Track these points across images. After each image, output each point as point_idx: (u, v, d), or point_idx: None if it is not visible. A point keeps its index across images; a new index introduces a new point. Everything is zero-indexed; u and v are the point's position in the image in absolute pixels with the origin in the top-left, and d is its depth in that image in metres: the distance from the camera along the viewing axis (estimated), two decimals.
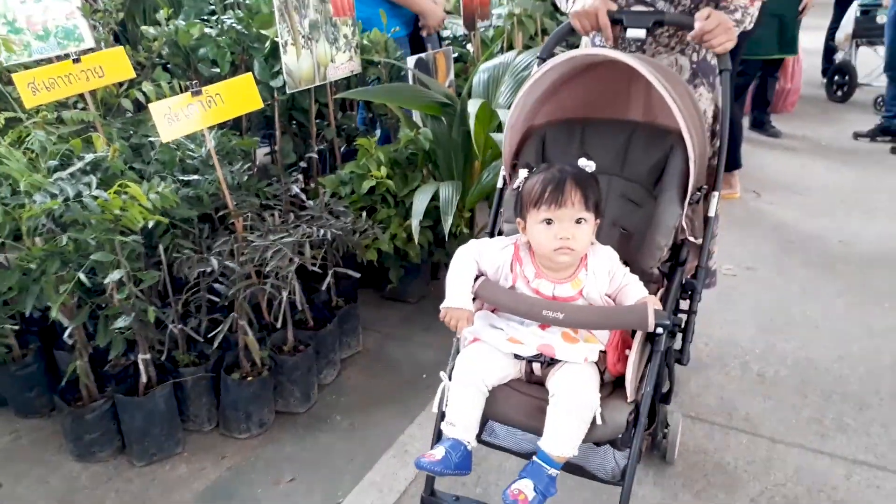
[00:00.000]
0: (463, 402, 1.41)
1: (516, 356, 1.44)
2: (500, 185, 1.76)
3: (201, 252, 1.97)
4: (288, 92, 2.50)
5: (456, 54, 3.41)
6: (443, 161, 2.71)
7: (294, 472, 1.95)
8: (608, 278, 1.49)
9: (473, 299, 1.49)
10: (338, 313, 2.38)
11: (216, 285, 1.95)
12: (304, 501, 1.86)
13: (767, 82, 5.02)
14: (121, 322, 1.83)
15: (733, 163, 3.90)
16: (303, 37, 2.51)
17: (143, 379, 1.96)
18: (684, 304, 1.68)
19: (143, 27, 2.73)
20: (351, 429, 2.14)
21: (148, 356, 1.95)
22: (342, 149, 2.94)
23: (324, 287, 2.29)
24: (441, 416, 1.47)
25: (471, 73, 2.91)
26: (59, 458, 2.01)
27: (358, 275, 2.37)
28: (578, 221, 1.45)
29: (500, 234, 1.69)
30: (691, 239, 1.57)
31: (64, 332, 1.98)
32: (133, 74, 2.30)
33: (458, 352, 1.51)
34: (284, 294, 2.01)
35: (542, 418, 1.37)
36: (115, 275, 1.80)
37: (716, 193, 1.64)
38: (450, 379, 1.45)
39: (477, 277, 1.51)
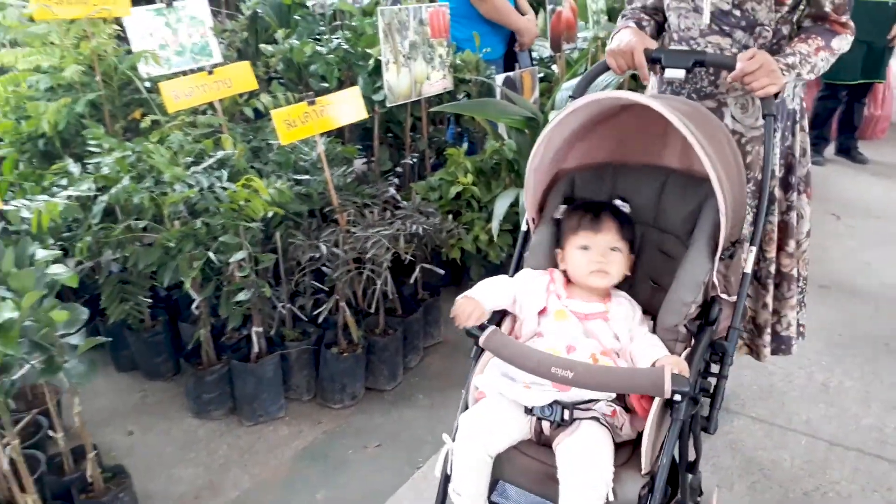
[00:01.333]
0: (468, 472, 1.35)
1: (527, 411, 1.36)
2: (524, 228, 1.68)
3: (310, 241, 2.25)
4: (388, 106, 2.78)
5: (541, 74, 3.63)
6: (524, 170, 2.92)
7: (380, 440, 2.19)
8: (626, 325, 1.46)
9: (482, 351, 1.45)
10: (423, 305, 2.63)
11: (324, 268, 2.22)
12: (388, 464, 2.09)
13: (854, 107, 5.00)
14: (241, 296, 2.13)
15: None
16: (403, 56, 2.79)
17: (255, 349, 2.25)
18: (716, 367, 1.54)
19: (262, 45, 3.08)
20: (431, 407, 2.37)
21: (260, 329, 2.24)
22: (432, 159, 3.20)
23: (412, 280, 2.54)
24: (445, 478, 1.40)
25: (554, 91, 3.13)
26: (180, 414, 2.33)
27: (442, 271, 2.61)
28: (613, 249, 1.49)
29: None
30: (724, 296, 1.43)
31: (190, 305, 2.30)
32: (256, 86, 2.62)
33: (465, 407, 1.44)
34: (379, 281, 2.27)
35: (550, 485, 1.29)
36: (238, 255, 2.10)
37: (753, 248, 1.48)
38: (453, 440, 1.37)
39: (497, 322, 1.49)
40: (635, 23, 1.82)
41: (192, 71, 2.72)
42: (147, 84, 2.54)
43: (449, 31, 2.97)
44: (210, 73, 2.49)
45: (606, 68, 1.72)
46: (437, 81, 2.97)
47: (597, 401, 1.35)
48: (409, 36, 2.80)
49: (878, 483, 1.97)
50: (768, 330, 2.04)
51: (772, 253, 1.94)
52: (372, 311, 2.39)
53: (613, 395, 1.36)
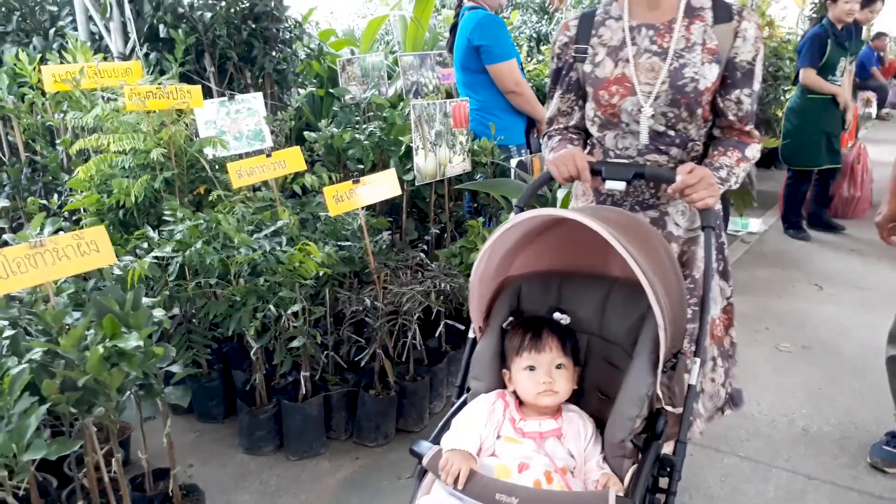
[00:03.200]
0: None
1: None
2: (471, 335, 1.69)
3: (356, 296, 2.62)
4: (416, 185, 3.21)
5: None
6: None
7: (412, 472, 2.48)
8: (580, 443, 1.48)
9: (424, 473, 1.46)
10: (447, 356, 2.96)
11: (366, 318, 2.57)
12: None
13: (828, 183, 5.47)
14: (295, 343, 2.47)
15: None
16: (430, 143, 3.24)
17: (303, 391, 2.58)
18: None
19: (306, 132, 3.54)
20: None
21: (308, 374, 2.58)
22: (452, 230, 3.60)
23: (437, 334, 2.89)
24: None
25: None
26: (232, 451, 2.63)
27: (463, 327, 2.96)
28: (558, 367, 1.52)
29: (467, 390, 1.65)
30: (669, 409, 1.44)
31: (241, 355, 2.64)
32: (305, 167, 3.05)
33: None
34: (410, 333, 2.62)
35: None
36: (294, 307, 2.46)
37: (697, 360, 1.49)
38: None
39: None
40: (567, 143, 1.91)
41: (248, 154, 3.16)
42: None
43: (468, 122, 3.43)
44: (268, 155, 2.92)
45: (550, 178, 1.75)
46: (458, 164, 3.40)
47: None
48: (436, 126, 3.25)
49: None
50: (725, 392, 2.11)
51: (722, 334, 2.07)
52: (403, 360, 2.73)
53: None
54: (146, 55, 3.60)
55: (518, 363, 1.54)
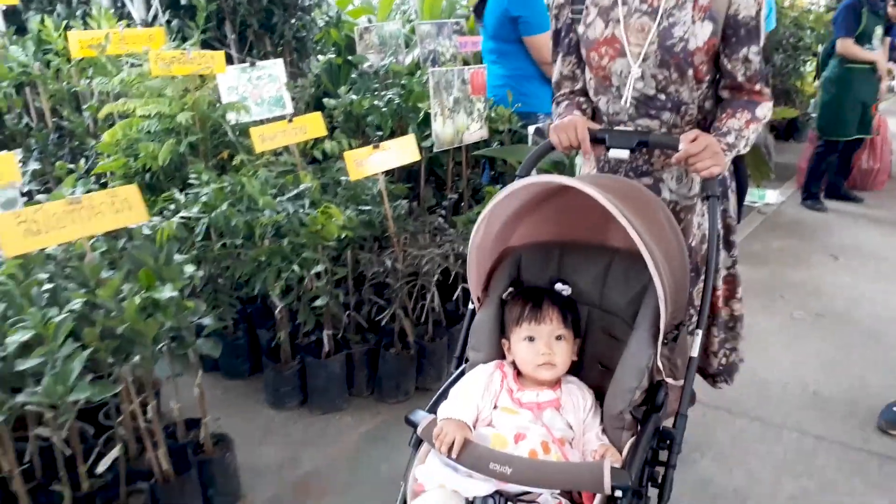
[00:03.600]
0: None
1: (468, 502, 1.32)
2: (471, 306, 1.69)
3: (377, 257, 2.68)
4: (434, 151, 3.25)
5: None
6: None
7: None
8: (578, 415, 1.47)
9: (420, 442, 1.43)
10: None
11: (387, 279, 2.64)
12: None
13: (852, 154, 5.45)
14: (318, 302, 2.55)
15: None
16: (448, 109, 3.27)
17: (325, 349, 2.66)
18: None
19: (325, 99, 3.58)
20: None
21: (330, 332, 2.65)
22: (469, 197, 3.65)
23: (454, 297, 2.95)
24: None
25: None
26: (258, 406, 2.72)
27: None
28: (558, 338, 1.50)
29: (466, 360, 1.65)
30: (670, 381, 1.43)
31: (265, 315, 2.72)
32: (326, 133, 3.10)
33: (403, 502, 1.41)
34: (429, 295, 2.68)
35: None
36: (318, 268, 2.53)
37: (699, 332, 1.48)
38: None
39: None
40: (575, 109, 1.87)
41: (269, 120, 3.21)
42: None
43: (486, 90, 3.45)
44: (290, 121, 2.97)
45: (552, 148, 1.73)
46: (476, 131, 3.43)
47: (540, 492, 1.32)
48: (454, 93, 3.28)
49: (858, 470, 2.31)
50: (718, 363, 2.09)
51: (720, 304, 2.03)
52: (422, 321, 2.80)
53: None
54: (168, 22, 3.65)
55: (517, 333, 1.52)
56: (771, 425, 2.56)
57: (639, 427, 1.40)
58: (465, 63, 4.46)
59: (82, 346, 1.66)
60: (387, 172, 3.18)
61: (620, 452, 1.39)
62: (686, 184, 1.83)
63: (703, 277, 1.58)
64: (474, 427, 1.43)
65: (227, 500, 2.17)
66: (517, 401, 1.48)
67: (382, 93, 3.54)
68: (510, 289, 1.62)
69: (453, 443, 1.31)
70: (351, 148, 3.17)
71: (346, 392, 2.71)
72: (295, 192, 2.69)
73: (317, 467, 2.36)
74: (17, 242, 1.76)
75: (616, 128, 1.80)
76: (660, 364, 1.40)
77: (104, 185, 3.03)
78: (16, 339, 1.64)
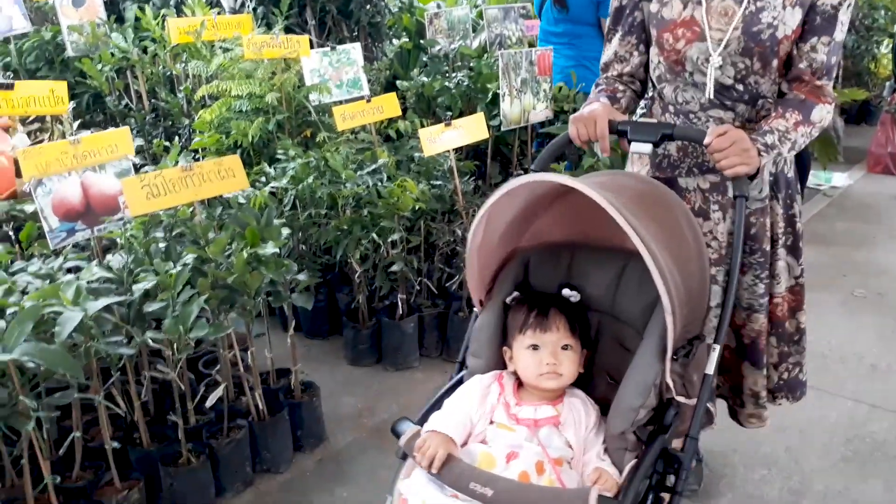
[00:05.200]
0: None
1: None
2: (476, 311, 1.56)
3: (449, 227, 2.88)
4: (501, 130, 3.41)
5: None
6: None
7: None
8: (579, 432, 1.37)
9: (405, 456, 1.33)
10: None
11: (458, 247, 2.83)
12: None
13: None
14: (394, 268, 2.76)
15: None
16: (515, 90, 3.43)
17: (399, 312, 2.88)
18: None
19: (399, 82, 3.78)
20: None
21: (404, 296, 2.87)
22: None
23: None
24: None
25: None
26: (338, 362, 2.97)
27: None
28: (564, 348, 1.40)
29: (461, 368, 1.58)
30: (681, 399, 1.31)
31: (343, 281, 2.95)
32: (400, 112, 3.30)
33: None
34: None
35: None
36: (394, 236, 2.74)
37: (716, 347, 1.36)
38: None
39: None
40: (609, 95, 1.77)
41: (347, 100, 3.44)
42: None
43: (552, 71, 3.58)
44: (368, 101, 3.18)
45: (570, 140, 1.62)
46: (541, 111, 3.58)
47: None
48: (522, 74, 3.44)
49: None
50: (778, 377, 1.98)
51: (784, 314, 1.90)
52: None
53: None
54: (254, 9, 3.91)
55: (521, 341, 1.42)
56: (826, 393, 2.65)
57: (644, 448, 1.29)
58: (531, 45, 4.59)
59: (197, 293, 1.91)
60: (456, 150, 3.37)
61: (622, 474, 1.28)
62: (756, 185, 1.70)
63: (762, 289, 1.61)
64: (466, 442, 1.35)
65: (313, 441, 2.41)
66: (513, 416, 1.38)
67: (452, 75, 3.72)
68: (515, 293, 1.51)
69: (435, 457, 1.23)
70: (423, 127, 3.36)
71: (418, 352, 2.93)
72: (373, 167, 2.90)
73: (391, 416, 2.58)
74: (140, 203, 2.02)
75: (641, 119, 1.71)
76: (669, 381, 1.28)
77: (198, 160, 3.33)
78: (141, 286, 1.90)
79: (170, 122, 3.84)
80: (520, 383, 1.44)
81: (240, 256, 1.96)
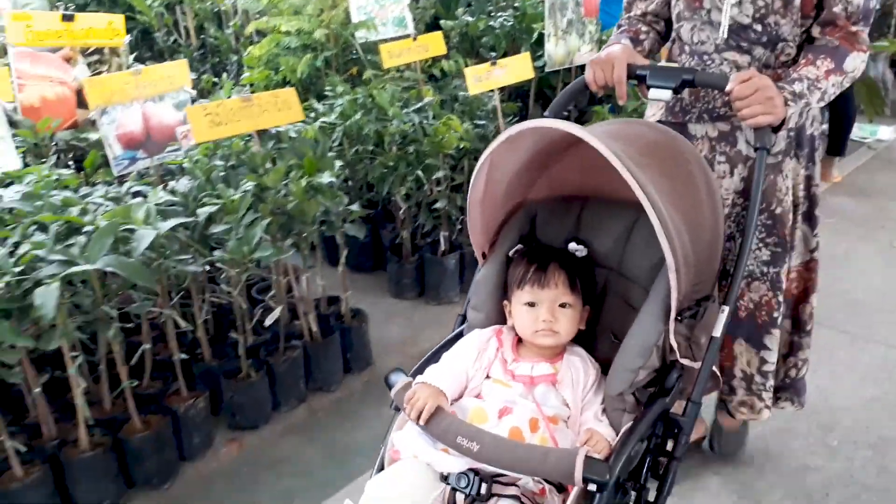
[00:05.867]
0: None
1: (443, 478, 1.20)
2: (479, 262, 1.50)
3: None
4: (546, 71, 3.42)
5: None
6: None
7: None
8: (577, 391, 1.32)
9: (398, 408, 1.27)
10: None
11: None
12: None
13: None
14: (438, 205, 2.84)
15: (839, 149, 4.19)
16: (561, 31, 3.42)
17: (442, 248, 2.97)
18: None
19: (443, 21, 3.79)
20: None
21: (447, 233, 2.95)
22: (577, 116, 3.83)
23: None
24: None
25: None
26: (382, 295, 3.09)
27: None
28: (563, 305, 1.34)
29: (463, 321, 1.54)
30: (685, 362, 1.25)
31: (385, 219, 3.05)
32: (445, 51, 3.33)
33: (381, 466, 1.30)
34: None
35: None
36: (439, 173, 2.81)
37: (726, 309, 1.29)
38: None
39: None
40: (631, 36, 1.69)
41: (392, 39, 3.47)
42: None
43: (599, 12, 3.57)
44: (414, 39, 3.21)
45: (586, 86, 1.53)
46: (587, 53, 3.57)
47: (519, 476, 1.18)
48: (568, 14, 3.43)
49: None
50: (785, 372, 1.87)
51: (798, 292, 1.80)
52: None
53: None
54: None
55: (518, 296, 1.37)
56: (858, 338, 2.70)
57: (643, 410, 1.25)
58: None
59: (259, 217, 2.01)
60: (500, 90, 3.40)
61: (618, 436, 1.23)
62: (775, 136, 1.54)
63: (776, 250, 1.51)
64: (461, 396, 1.34)
65: (362, 364, 2.55)
66: (510, 372, 1.34)
67: (497, 15, 3.72)
68: (518, 246, 1.45)
69: (424, 409, 1.20)
70: (467, 66, 3.39)
71: (458, 287, 3.03)
72: (419, 105, 2.96)
73: (433, 345, 2.69)
74: (204, 131, 2.12)
75: (681, 63, 1.62)
76: (673, 342, 1.22)
77: None
78: (206, 210, 2.01)
79: (217, 59, 3.91)
80: (519, 339, 1.39)
81: (298, 184, 2.05)
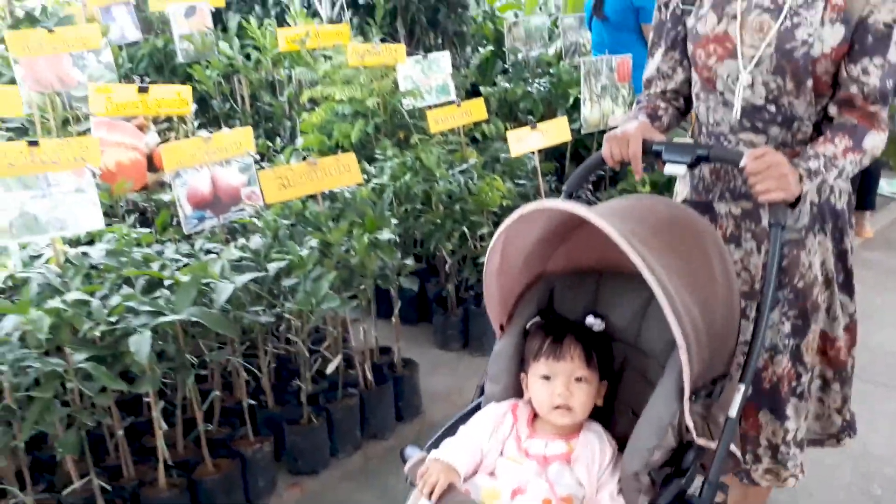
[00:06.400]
0: None
1: None
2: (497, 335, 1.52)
3: None
4: (582, 133, 3.61)
5: None
6: None
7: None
8: (593, 470, 1.31)
9: (411, 483, 1.30)
10: None
11: None
12: None
13: None
14: (482, 259, 2.98)
15: (867, 203, 4.33)
16: (595, 95, 3.62)
17: None
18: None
19: (482, 87, 4.02)
20: None
21: None
22: (610, 177, 3.99)
23: None
24: None
25: None
26: (427, 346, 3.21)
27: None
28: (578, 380, 1.33)
29: (482, 393, 1.53)
30: (702, 441, 1.25)
31: (432, 272, 3.20)
32: (486, 117, 3.53)
33: None
34: None
35: None
36: (483, 230, 2.97)
37: (741, 387, 1.29)
38: None
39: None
40: (649, 113, 1.69)
41: (436, 105, 3.69)
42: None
43: (631, 77, 3.76)
44: (458, 105, 3.42)
45: (602, 161, 1.55)
46: (621, 116, 3.76)
47: None
48: (602, 80, 3.63)
49: None
50: (842, 419, 1.86)
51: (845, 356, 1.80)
52: None
53: None
54: (350, 19, 4.21)
55: (535, 369, 1.37)
56: (892, 389, 2.76)
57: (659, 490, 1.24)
58: None
59: (326, 271, 2.18)
60: (539, 151, 3.58)
61: None
62: (793, 214, 1.55)
63: (801, 327, 1.51)
64: (476, 472, 1.34)
65: (412, 412, 2.67)
66: (524, 450, 1.34)
67: (534, 81, 3.94)
68: (536, 318, 1.46)
69: (436, 486, 1.21)
70: (506, 130, 3.59)
71: None
72: (464, 166, 3.14)
73: None
74: (274, 192, 2.31)
75: (676, 140, 1.61)
76: (689, 422, 1.22)
77: (303, 159, 3.63)
78: (275, 265, 2.18)
79: (269, 124, 4.17)
80: (535, 413, 1.38)
81: (361, 241, 2.22)
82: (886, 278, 3.78)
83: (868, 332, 3.14)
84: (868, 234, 4.42)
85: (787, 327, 1.68)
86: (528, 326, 1.46)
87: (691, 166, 1.45)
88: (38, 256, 2.25)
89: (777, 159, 1.37)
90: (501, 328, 1.50)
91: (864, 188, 4.27)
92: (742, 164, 1.38)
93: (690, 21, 1.63)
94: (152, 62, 4.40)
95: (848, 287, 1.74)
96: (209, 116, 4.24)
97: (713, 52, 1.57)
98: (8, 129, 3.15)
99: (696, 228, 1.36)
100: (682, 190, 1.77)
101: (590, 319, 1.42)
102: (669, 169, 1.46)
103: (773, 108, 1.55)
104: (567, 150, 3.80)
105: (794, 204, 1.40)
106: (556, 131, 3.27)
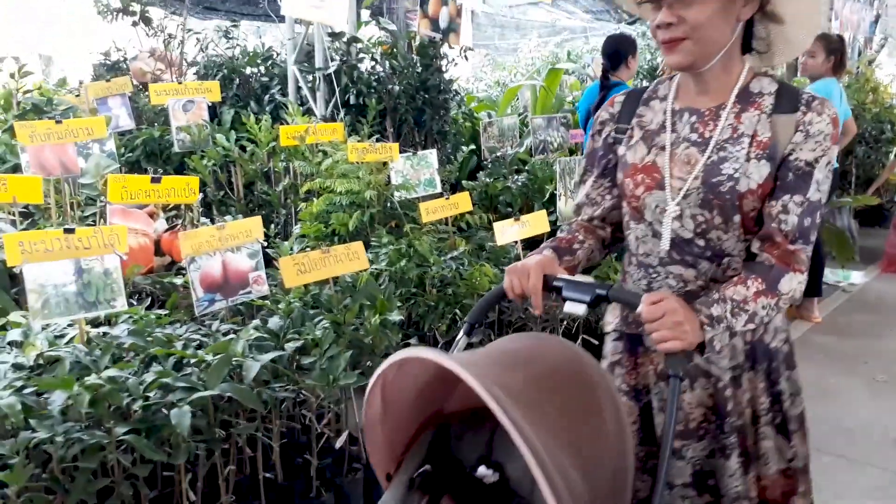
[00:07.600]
0: None
1: None
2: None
3: (523, 305, 3.35)
4: (558, 225, 3.93)
5: None
6: None
7: None
8: None
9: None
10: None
11: (529, 322, 3.29)
12: None
13: None
14: (474, 339, 3.20)
15: (815, 290, 4.73)
16: (570, 190, 3.97)
17: None
18: None
19: (465, 181, 4.35)
20: None
21: None
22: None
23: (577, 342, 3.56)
24: None
25: None
26: None
27: (597, 342, 3.61)
28: None
29: None
30: None
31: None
32: (471, 208, 3.83)
33: None
34: (559, 334, 3.32)
35: None
36: None
37: None
38: None
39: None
40: (562, 247, 1.64)
41: (424, 198, 3.99)
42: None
43: None
44: (447, 198, 3.72)
45: (503, 294, 1.51)
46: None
47: None
48: (575, 177, 3.99)
49: None
50: None
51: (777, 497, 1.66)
52: None
53: None
54: (343, 117, 4.55)
55: None
56: (855, 462, 3.01)
57: None
58: (571, 152, 5.20)
59: (340, 350, 2.37)
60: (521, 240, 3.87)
61: None
62: (726, 353, 1.54)
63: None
64: None
65: None
66: None
67: (513, 176, 4.30)
68: (426, 466, 1.31)
69: None
70: (488, 221, 3.90)
71: None
72: (455, 253, 3.41)
73: None
74: (292, 278, 2.52)
75: (576, 277, 1.51)
76: None
77: (303, 249, 3.85)
78: (293, 345, 2.37)
79: (264, 212, 4.40)
80: None
81: (374, 322, 2.43)
82: (835, 361, 4.11)
83: (825, 409, 3.46)
84: (817, 319, 4.79)
85: (737, 469, 1.58)
86: (413, 477, 1.29)
87: (591, 305, 1.40)
88: (62, 336, 2.40)
89: (672, 306, 1.32)
90: (388, 478, 1.31)
91: (812, 276, 4.65)
92: (638, 310, 1.33)
93: (621, 149, 1.61)
94: (145, 150, 4.63)
95: (785, 430, 1.62)
96: (204, 203, 4.46)
97: (641, 182, 1.54)
98: (10, 213, 3.31)
99: (590, 379, 1.22)
100: (611, 320, 1.70)
101: (482, 470, 1.26)
102: (569, 307, 1.41)
103: (701, 242, 1.51)
104: (544, 238, 4.12)
105: (702, 350, 1.36)
106: (536, 223, 3.58)
